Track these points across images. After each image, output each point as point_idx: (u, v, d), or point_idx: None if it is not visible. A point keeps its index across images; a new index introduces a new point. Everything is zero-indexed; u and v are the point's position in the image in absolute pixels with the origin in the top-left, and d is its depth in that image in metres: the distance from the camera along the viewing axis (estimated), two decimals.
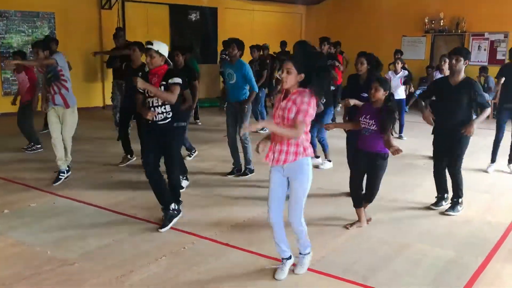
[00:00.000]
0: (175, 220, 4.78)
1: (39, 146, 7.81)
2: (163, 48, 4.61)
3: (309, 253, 3.86)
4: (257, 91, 6.55)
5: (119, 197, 5.63)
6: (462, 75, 5.06)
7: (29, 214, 5.09)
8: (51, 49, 6.24)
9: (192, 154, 7.55)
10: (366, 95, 5.17)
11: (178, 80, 4.56)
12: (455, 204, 5.30)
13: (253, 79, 6.38)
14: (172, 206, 4.77)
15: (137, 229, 4.71)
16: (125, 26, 12.34)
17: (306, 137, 3.51)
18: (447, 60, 7.66)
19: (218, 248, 4.31)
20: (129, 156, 7.13)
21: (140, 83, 4.48)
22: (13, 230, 4.64)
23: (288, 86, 3.40)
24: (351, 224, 4.83)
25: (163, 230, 4.65)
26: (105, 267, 3.90)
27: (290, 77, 3.37)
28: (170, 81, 4.53)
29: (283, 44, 13.07)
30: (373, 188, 4.76)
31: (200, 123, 10.67)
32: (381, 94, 4.53)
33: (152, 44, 4.56)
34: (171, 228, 4.73)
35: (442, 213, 5.26)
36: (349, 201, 5.65)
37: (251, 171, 6.65)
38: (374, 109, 4.60)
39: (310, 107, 3.36)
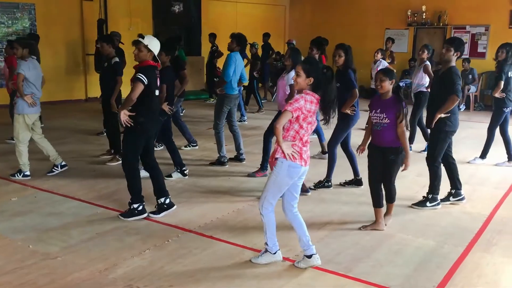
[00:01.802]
0: (132, 218, 4.75)
1: None
2: (154, 44, 4.61)
3: (266, 251, 3.88)
4: (226, 80, 6.57)
5: (102, 191, 5.59)
6: (450, 65, 5.02)
7: (10, 208, 5.03)
8: (31, 49, 6.06)
9: (190, 146, 7.70)
10: (338, 84, 5.30)
11: (140, 75, 4.48)
12: (424, 200, 5.30)
13: (226, 70, 6.55)
14: (134, 205, 4.77)
15: (120, 223, 4.68)
16: (107, 17, 12.19)
17: (290, 138, 3.58)
18: (425, 51, 7.77)
19: (203, 241, 4.32)
20: (117, 157, 6.73)
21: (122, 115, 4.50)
22: None
23: (298, 88, 3.65)
24: (366, 226, 4.65)
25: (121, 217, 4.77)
26: (88, 261, 3.88)
27: (299, 80, 3.59)
28: (136, 75, 4.51)
29: (266, 35, 13.06)
30: (389, 184, 4.62)
31: (182, 113, 10.62)
32: (387, 84, 4.39)
33: (143, 37, 4.59)
34: (155, 221, 4.72)
35: (410, 206, 5.26)
36: (330, 193, 5.72)
37: (220, 162, 6.73)
38: (383, 102, 4.47)
39: (296, 101, 3.51)
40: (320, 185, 5.83)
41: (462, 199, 5.39)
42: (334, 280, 3.68)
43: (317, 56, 6.07)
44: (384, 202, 4.69)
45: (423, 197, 5.32)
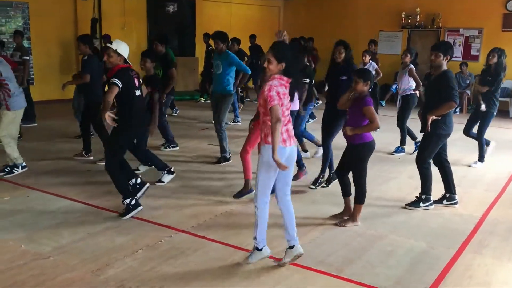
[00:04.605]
0: (130, 213, 4.81)
1: (19, 136, 7.60)
2: (122, 47, 4.76)
3: (254, 250, 3.86)
4: (249, 72, 6.84)
5: (94, 190, 5.57)
6: (442, 69, 5.01)
7: (2, 207, 4.99)
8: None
9: (170, 147, 7.59)
10: (345, 77, 5.41)
11: (114, 80, 4.64)
12: (418, 200, 5.34)
13: (242, 63, 6.78)
14: (126, 201, 4.82)
15: (112, 222, 4.67)
16: (101, 17, 12.15)
17: (268, 124, 3.62)
18: (408, 54, 7.82)
19: (195, 241, 4.31)
20: (84, 153, 6.93)
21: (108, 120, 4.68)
22: None
23: (270, 73, 3.64)
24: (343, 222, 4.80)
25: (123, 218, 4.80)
26: (79, 261, 3.87)
27: (271, 66, 3.60)
28: (110, 81, 4.68)
29: (252, 37, 13.01)
30: (356, 181, 4.80)
31: (175, 114, 10.64)
32: (360, 86, 4.52)
33: (111, 43, 4.77)
34: (148, 221, 4.71)
35: (403, 207, 5.33)
36: (323, 194, 5.74)
37: (226, 159, 6.83)
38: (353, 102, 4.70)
39: (270, 92, 3.52)
40: (317, 182, 5.90)
41: (456, 203, 5.41)
42: (325, 281, 3.69)
43: (305, 58, 6.31)
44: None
45: (416, 197, 5.35)
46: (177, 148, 7.64)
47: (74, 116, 7.99)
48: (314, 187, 5.86)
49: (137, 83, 4.87)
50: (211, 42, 12.29)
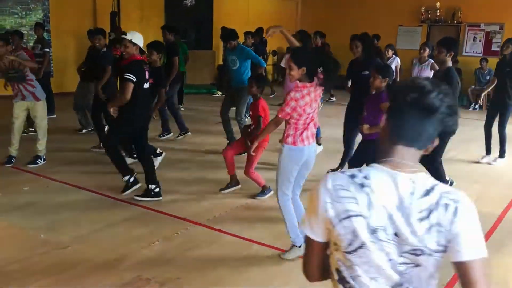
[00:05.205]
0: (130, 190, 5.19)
1: None
2: (137, 38, 4.95)
3: (292, 246, 3.84)
4: (264, 65, 7.01)
5: (113, 182, 5.62)
6: (447, 66, 4.97)
7: (22, 197, 5.08)
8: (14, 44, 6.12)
9: (181, 135, 7.84)
10: (367, 72, 5.20)
11: (128, 75, 4.78)
12: None
13: (257, 56, 6.92)
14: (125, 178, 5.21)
15: (130, 214, 4.72)
16: (120, 10, 12.21)
17: (291, 126, 3.65)
18: (427, 49, 7.74)
19: (211, 234, 4.34)
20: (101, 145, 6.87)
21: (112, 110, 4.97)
22: (6, 213, 4.63)
23: (293, 80, 3.65)
24: None
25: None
26: (98, 251, 3.92)
27: (293, 72, 3.60)
28: (124, 76, 4.82)
29: (260, 30, 12.83)
30: None
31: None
32: (378, 81, 4.45)
33: (126, 34, 4.98)
34: (164, 213, 4.75)
35: None
36: None
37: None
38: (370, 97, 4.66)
39: (286, 107, 3.57)
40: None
41: None
42: None
43: (319, 42, 6.37)
44: None
45: None
46: (189, 133, 7.90)
47: (78, 114, 7.99)
48: None
49: (147, 76, 5.08)
50: None
